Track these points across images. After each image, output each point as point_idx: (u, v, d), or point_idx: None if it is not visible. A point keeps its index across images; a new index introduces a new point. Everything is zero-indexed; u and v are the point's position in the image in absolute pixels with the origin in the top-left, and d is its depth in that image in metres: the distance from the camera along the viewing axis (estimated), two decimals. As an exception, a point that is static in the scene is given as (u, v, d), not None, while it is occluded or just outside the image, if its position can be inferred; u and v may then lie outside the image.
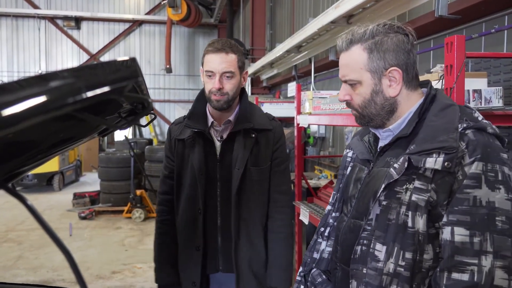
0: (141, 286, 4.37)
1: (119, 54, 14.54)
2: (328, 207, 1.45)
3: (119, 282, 4.48)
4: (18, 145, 0.87)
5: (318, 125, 5.71)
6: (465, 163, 1.03)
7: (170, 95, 14.85)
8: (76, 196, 8.16)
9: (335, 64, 4.95)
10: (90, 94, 0.68)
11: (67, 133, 1.08)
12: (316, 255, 1.45)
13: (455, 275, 1.00)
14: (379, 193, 1.12)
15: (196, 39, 15.02)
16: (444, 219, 1.04)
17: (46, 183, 9.90)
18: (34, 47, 14.05)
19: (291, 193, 1.81)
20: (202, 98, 1.79)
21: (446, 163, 1.02)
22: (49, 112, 0.65)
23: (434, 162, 1.04)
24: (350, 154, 1.41)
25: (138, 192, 7.32)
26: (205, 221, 1.73)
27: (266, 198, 1.77)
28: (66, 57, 14.32)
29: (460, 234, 1.01)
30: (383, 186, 1.11)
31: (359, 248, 1.18)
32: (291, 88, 5.43)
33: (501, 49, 2.62)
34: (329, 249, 1.42)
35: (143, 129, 14.48)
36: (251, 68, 7.64)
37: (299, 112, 3.22)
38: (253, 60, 8.48)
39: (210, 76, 1.68)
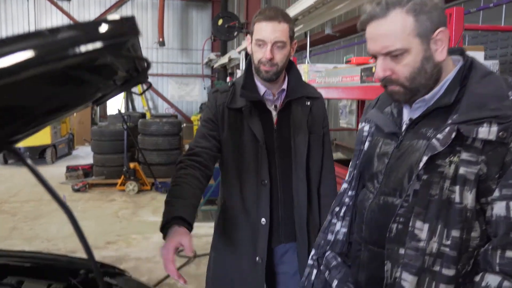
0: (136, 256, 4.43)
1: (111, 26, 14.24)
2: (344, 185, 1.34)
3: (114, 252, 4.54)
4: (13, 109, 0.87)
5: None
6: None
7: (163, 69, 14.70)
8: (69, 169, 8.14)
9: (330, 38, 4.91)
10: (90, 47, 0.64)
11: (61, 99, 1.07)
12: (330, 237, 1.35)
13: (509, 254, 0.93)
14: (420, 167, 1.02)
15: (190, 13, 14.78)
16: (496, 194, 0.97)
17: (38, 156, 9.84)
18: (22, 19, 13.73)
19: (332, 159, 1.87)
20: (251, 68, 1.73)
21: (500, 133, 0.95)
22: (43, 65, 0.61)
23: (487, 132, 0.95)
24: (366, 128, 1.30)
25: (132, 165, 7.33)
26: (272, 193, 1.69)
27: (321, 164, 1.79)
28: (56, 28, 14.03)
29: None
30: (425, 158, 1.01)
31: (394, 226, 1.09)
32: (286, 62, 5.38)
33: (499, 23, 2.62)
34: (344, 230, 1.33)
35: (136, 103, 14.38)
36: (246, 42, 7.56)
37: (294, 85, 3.21)
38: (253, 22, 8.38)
39: (260, 45, 1.61)
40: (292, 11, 4.63)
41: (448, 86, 1.07)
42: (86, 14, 14.05)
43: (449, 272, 0.99)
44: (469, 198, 0.97)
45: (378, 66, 1.09)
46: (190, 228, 1.43)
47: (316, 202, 1.77)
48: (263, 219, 1.66)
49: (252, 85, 1.71)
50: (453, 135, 0.98)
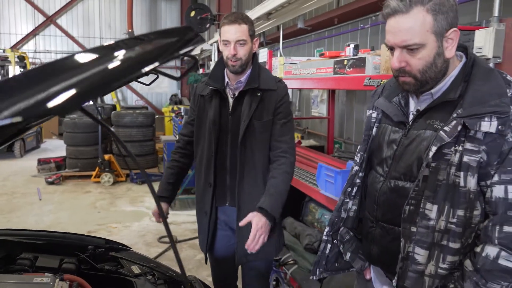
0: (118, 244, 4.55)
1: (77, 16, 13.95)
2: (356, 168, 1.47)
3: (95, 241, 4.62)
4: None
5: (291, 89, 5.91)
6: None
7: (132, 61, 14.52)
8: (41, 162, 8.05)
9: (302, 31, 5.13)
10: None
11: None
12: (343, 214, 1.51)
13: (506, 228, 1.09)
14: (430, 156, 1.15)
15: (159, 4, 14.66)
16: (495, 178, 1.11)
17: (6, 149, 9.63)
18: (-17, 6, 13.25)
19: (291, 142, 2.07)
20: (221, 62, 2.09)
21: (500, 127, 1.08)
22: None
23: (489, 125, 1.08)
24: (374, 115, 1.42)
25: (107, 156, 7.36)
26: (217, 163, 2.07)
27: (268, 147, 2.05)
28: (19, 18, 13.62)
29: None
30: (434, 148, 1.14)
31: (407, 208, 1.23)
32: (262, 54, 5.57)
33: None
34: (355, 207, 1.50)
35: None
36: (217, 35, 7.67)
37: (271, 77, 3.39)
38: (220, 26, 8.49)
39: (226, 44, 1.98)
40: (268, 6, 4.81)
41: (453, 81, 1.20)
42: (51, 2, 13.69)
43: (455, 245, 1.15)
44: (472, 182, 1.11)
45: (394, 58, 1.19)
46: (167, 199, 2.17)
47: (258, 178, 2.04)
48: (210, 182, 2.08)
49: (217, 76, 2.07)
50: (459, 128, 1.11)
